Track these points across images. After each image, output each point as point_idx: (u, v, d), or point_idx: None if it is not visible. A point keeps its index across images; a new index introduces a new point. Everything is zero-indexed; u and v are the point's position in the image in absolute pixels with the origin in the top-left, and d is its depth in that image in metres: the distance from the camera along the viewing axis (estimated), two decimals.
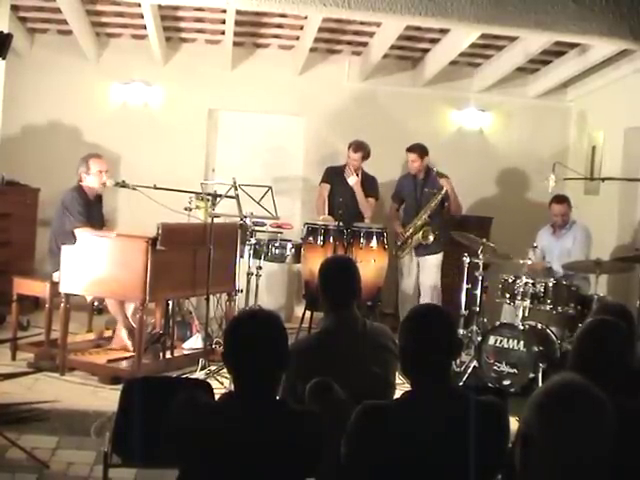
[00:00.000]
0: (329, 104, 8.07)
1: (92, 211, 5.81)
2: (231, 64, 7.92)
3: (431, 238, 6.68)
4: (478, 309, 6.17)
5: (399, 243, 6.95)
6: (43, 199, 7.26)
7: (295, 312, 7.85)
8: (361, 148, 6.94)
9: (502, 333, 5.70)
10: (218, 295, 6.16)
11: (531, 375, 5.48)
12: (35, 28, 7.75)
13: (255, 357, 2.31)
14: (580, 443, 1.72)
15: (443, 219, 6.89)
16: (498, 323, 5.89)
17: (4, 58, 5.43)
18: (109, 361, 5.54)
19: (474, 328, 6.17)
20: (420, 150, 6.88)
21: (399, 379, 3.23)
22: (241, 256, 6.14)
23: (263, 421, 2.28)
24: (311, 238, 6.65)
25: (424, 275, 6.90)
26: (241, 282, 6.15)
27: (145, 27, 7.06)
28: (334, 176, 7.06)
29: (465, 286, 6.26)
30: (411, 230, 6.83)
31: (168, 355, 5.77)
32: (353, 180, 6.94)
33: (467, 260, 6.21)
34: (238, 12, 6.66)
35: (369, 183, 7.04)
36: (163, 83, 7.95)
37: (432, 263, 6.87)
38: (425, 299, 6.73)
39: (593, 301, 5.52)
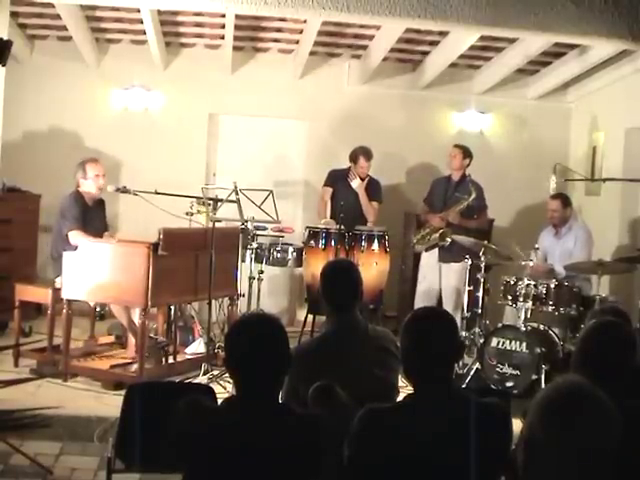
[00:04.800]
0: (330, 107, 8.07)
1: (90, 216, 5.78)
2: (231, 68, 7.93)
3: (449, 240, 6.55)
4: (480, 311, 6.17)
5: (422, 232, 6.79)
6: (44, 205, 7.26)
7: (297, 316, 7.85)
8: (371, 155, 6.94)
9: (504, 335, 5.69)
10: (220, 299, 6.15)
11: (534, 377, 5.47)
12: (35, 34, 7.76)
13: (256, 360, 2.31)
14: (583, 445, 1.72)
15: (468, 227, 6.67)
16: (500, 325, 5.88)
17: (4, 65, 5.44)
18: (112, 367, 5.53)
19: (476, 330, 6.16)
20: (464, 149, 6.87)
21: (402, 382, 3.23)
22: (243, 260, 6.15)
23: (265, 424, 2.28)
24: (313, 242, 6.65)
25: (447, 281, 6.72)
26: (243, 286, 6.16)
27: (145, 32, 7.06)
28: (337, 179, 7.05)
29: (467, 288, 6.25)
30: (430, 228, 6.74)
31: (171, 360, 5.76)
32: (357, 183, 6.94)
33: (469, 262, 6.21)
34: (237, 16, 6.66)
35: (373, 187, 7.03)
36: (163, 88, 7.95)
37: (456, 270, 6.63)
38: (447, 306, 6.53)
39: (595, 302, 5.52)
